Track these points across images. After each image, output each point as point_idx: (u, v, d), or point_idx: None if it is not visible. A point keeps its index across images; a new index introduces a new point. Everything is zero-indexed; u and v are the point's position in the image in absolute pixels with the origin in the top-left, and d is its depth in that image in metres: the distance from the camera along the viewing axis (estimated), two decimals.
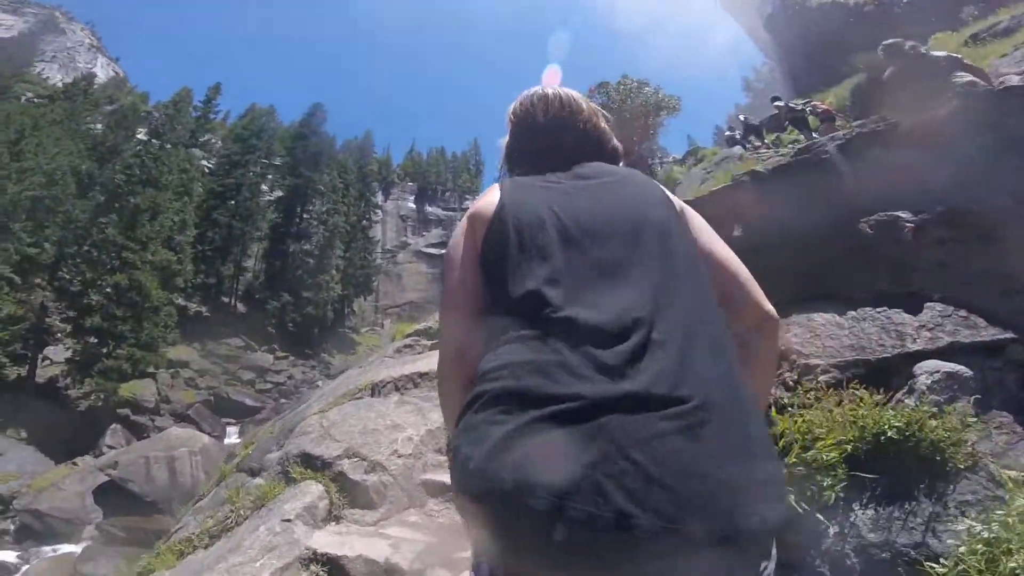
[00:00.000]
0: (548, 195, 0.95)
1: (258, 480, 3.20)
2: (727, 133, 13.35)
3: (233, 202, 38.05)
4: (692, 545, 0.62)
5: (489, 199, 0.98)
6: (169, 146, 32.95)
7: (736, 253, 1.00)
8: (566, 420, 0.67)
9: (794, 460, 2.11)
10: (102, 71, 57.37)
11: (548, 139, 1.09)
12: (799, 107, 12.04)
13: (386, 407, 3.40)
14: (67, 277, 27.58)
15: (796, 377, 2.25)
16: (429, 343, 5.38)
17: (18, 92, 38.76)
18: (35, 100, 40.32)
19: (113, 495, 16.82)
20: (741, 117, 14.64)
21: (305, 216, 42.03)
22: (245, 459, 3.79)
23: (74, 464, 20.24)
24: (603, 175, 1.01)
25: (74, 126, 36.07)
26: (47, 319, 26.30)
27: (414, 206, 60.93)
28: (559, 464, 0.64)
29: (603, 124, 1.14)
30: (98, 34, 65.59)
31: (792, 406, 2.18)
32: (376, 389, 3.60)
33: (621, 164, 1.14)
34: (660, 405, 0.68)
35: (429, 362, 4.25)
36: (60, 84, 46.46)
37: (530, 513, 0.63)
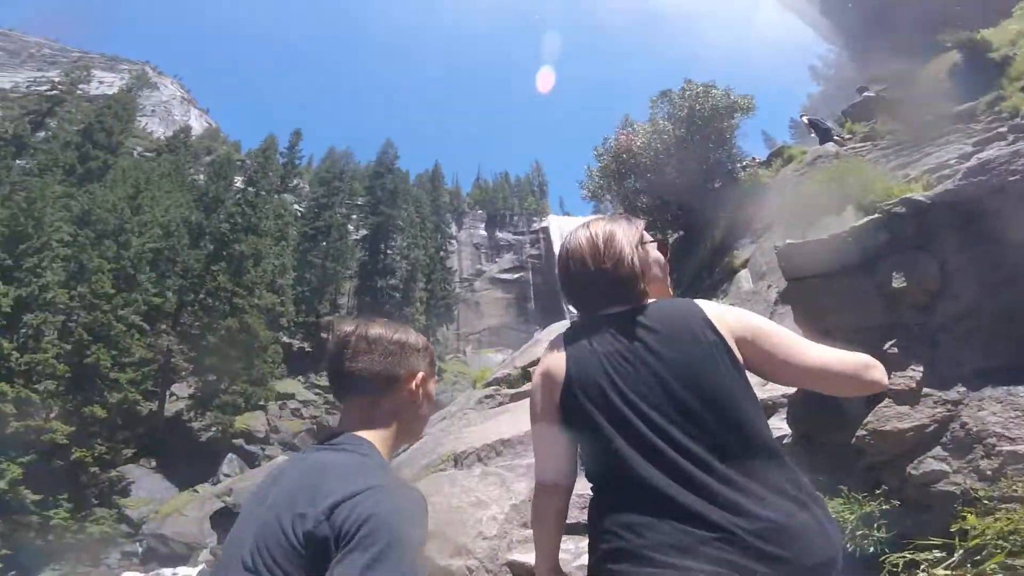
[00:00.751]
0: (605, 364, 1.09)
1: None
2: (823, 126, 12.16)
3: (324, 243, 40.72)
4: None
5: (557, 360, 1.15)
6: (264, 193, 35.77)
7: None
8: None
9: (993, 567, 1.60)
10: (196, 122, 62.90)
11: (579, 286, 1.24)
12: (892, 95, 11.04)
13: (469, 481, 3.16)
14: (187, 323, 30.57)
15: (996, 466, 1.71)
16: (510, 392, 5.15)
17: (129, 147, 43.65)
18: (145, 154, 45.38)
19: (227, 521, 18.20)
20: (804, 119, 13.55)
21: (388, 252, 44.00)
22: None
23: (195, 491, 22.08)
24: (650, 330, 1.10)
25: (180, 178, 40.17)
26: (172, 360, 29.25)
27: (485, 233, 61.93)
28: None
29: (620, 271, 1.19)
30: (186, 87, 71.53)
31: (990, 499, 1.65)
32: (459, 460, 3.39)
33: (647, 290, 1.20)
34: (758, 536, 0.89)
35: (513, 421, 3.98)
36: (163, 137, 51.77)
37: None
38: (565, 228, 43.58)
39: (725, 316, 1.12)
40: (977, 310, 1.96)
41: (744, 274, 9.76)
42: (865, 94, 11.62)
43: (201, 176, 42.16)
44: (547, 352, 1.20)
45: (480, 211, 64.10)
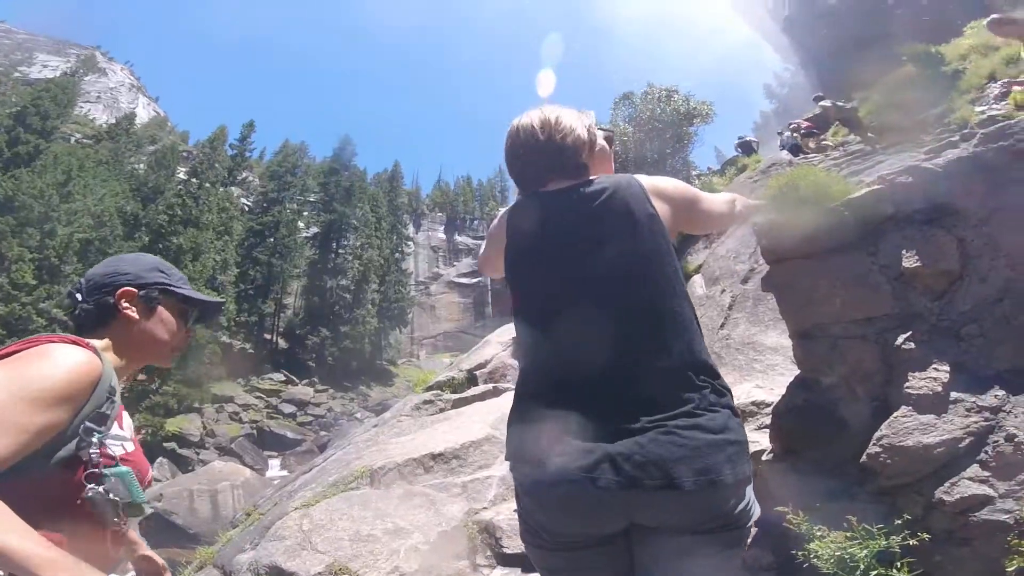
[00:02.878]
0: (540, 239, 1.22)
1: None
2: (785, 134, 12.53)
3: (272, 239, 38.73)
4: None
5: (499, 227, 1.33)
6: (208, 185, 33.89)
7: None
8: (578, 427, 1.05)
9: None
10: (143, 111, 59.12)
11: (526, 157, 1.30)
12: (848, 106, 11.53)
13: (387, 504, 2.59)
14: None
15: None
16: (453, 397, 4.59)
17: (66, 133, 40.83)
18: (83, 141, 42.41)
19: (158, 527, 16.74)
20: (738, 138, 14.40)
21: (340, 251, 42.50)
22: (226, 545, 3.05)
23: None
24: (585, 204, 1.20)
25: (119, 166, 37.74)
26: None
27: (444, 236, 61.00)
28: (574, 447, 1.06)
29: (566, 140, 1.27)
30: (137, 74, 67.26)
31: None
32: (375, 477, 2.80)
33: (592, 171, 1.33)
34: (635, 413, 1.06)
35: (451, 431, 3.44)
36: (105, 124, 48.54)
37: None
38: None
39: (663, 187, 1.26)
40: (1009, 295, 1.59)
41: (698, 279, 9.74)
42: (821, 103, 11.95)
43: (142, 166, 39.63)
44: (495, 222, 1.36)
45: (440, 214, 63.14)
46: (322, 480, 3.05)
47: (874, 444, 1.55)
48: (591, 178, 1.25)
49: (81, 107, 48.80)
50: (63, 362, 0.87)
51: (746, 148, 14.01)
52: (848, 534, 1.54)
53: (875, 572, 1.48)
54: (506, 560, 2.52)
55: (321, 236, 42.71)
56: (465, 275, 56.94)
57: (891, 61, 10.87)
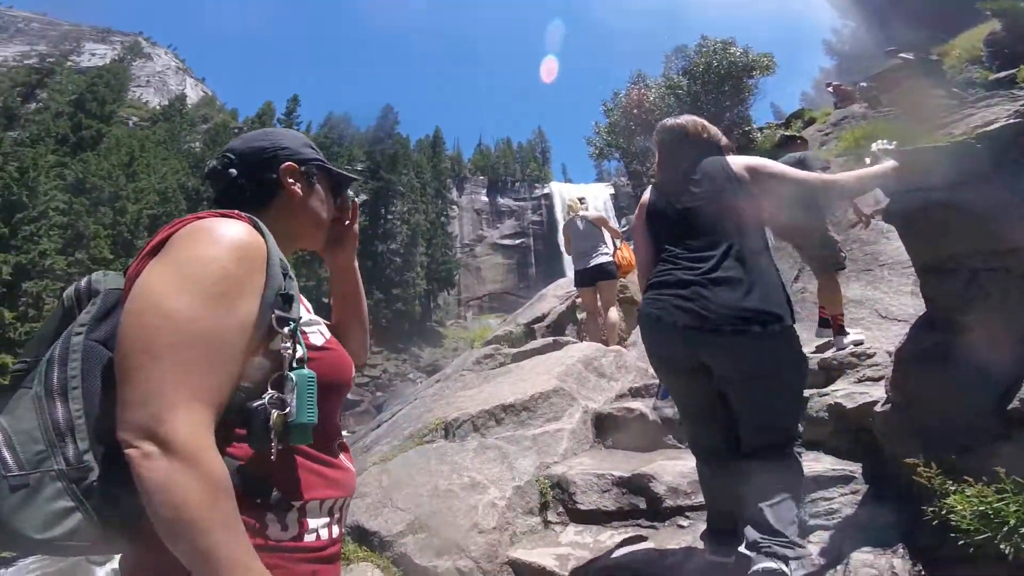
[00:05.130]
0: (667, 202, 2.01)
1: None
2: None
3: None
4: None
5: (647, 195, 2.14)
6: None
7: None
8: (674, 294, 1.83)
9: None
10: (192, 91, 60.80)
11: (672, 155, 2.10)
12: (931, 58, 10.50)
13: (463, 457, 2.57)
14: None
15: None
16: (512, 351, 4.54)
17: (123, 117, 42.93)
18: (140, 123, 44.60)
19: None
20: (831, 84, 13.31)
21: (389, 217, 43.28)
22: None
23: None
24: (695, 178, 1.96)
25: (176, 146, 39.51)
26: None
27: (487, 199, 60.61)
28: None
29: (704, 134, 2.07)
30: (181, 56, 69.00)
31: None
32: (450, 430, 2.79)
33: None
34: (722, 282, 1.73)
35: (516, 383, 3.38)
36: (158, 107, 50.62)
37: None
38: (567, 195, 42.80)
39: (741, 160, 1.96)
40: None
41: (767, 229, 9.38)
42: (900, 55, 10.86)
43: (197, 144, 41.32)
44: (644, 196, 2.16)
45: (482, 177, 62.67)
46: (396, 434, 3.08)
47: None
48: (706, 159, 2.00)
49: (133, 91, 51.02)
50: (227, 238, 0.71)
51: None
52: (994, 487, 1.36)
53: None
54: (579, 516, 2.45)
55: (370, 203, 43.51)
56: (508, 236, 56.78)
57: (971, 15, 9.89)
